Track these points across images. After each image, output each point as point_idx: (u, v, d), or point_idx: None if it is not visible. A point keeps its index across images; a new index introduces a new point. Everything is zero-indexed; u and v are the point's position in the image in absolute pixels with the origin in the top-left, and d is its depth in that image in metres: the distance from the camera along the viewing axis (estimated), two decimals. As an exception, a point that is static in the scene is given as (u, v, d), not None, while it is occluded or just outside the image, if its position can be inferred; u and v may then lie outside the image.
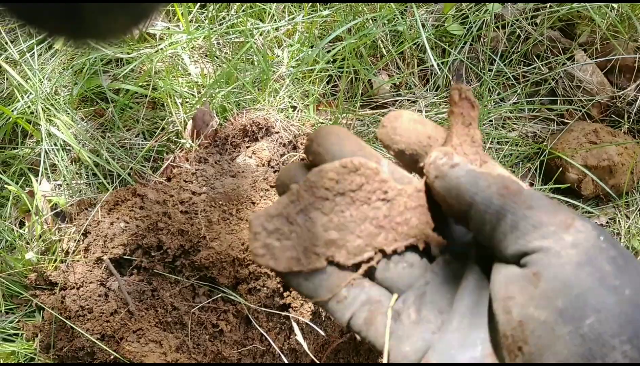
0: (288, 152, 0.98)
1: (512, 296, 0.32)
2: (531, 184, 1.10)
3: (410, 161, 0.38)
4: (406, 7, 1.15)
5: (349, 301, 0.39)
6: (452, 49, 1.15)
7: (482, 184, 0.33)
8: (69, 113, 1.01)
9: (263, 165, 0.96)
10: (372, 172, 0.37)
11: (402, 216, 0.38)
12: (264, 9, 1.13)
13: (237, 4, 1.12)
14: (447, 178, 0.34)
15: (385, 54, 1.13)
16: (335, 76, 1.12)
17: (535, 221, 0.31)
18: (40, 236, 0.91)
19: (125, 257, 0.89)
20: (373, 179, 0.37)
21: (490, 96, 1.15)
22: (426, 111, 1.11)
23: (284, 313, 0.85)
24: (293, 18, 1.12)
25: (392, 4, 1.11)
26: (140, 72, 1.08)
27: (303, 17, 1.11)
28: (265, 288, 0.85)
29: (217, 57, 1.09)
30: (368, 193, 0.38)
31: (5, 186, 0.95)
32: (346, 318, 0.39)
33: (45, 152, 0.98)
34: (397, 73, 1.15)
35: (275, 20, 1.13)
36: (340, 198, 0.38)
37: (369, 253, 0.38)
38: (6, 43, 1.03)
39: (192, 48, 1.10)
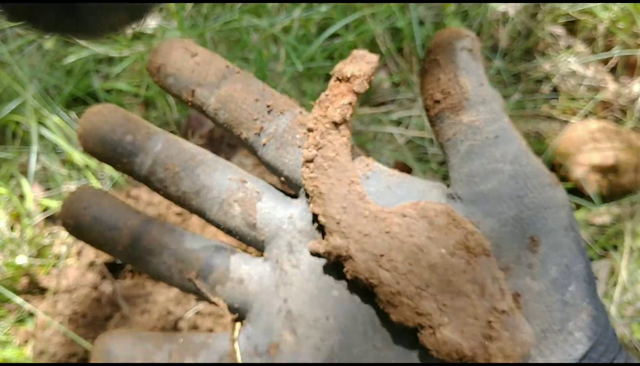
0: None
1: None
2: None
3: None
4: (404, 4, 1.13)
5: None
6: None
7: None
8: (60, 114, 0.99)
9: (259, 165, 0.94)
10: None
11: None
12: (261, 5, 1.10)
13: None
14: None
15: (384, 51, 1.11)
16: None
17: None
18: (32, 240, 0.89)
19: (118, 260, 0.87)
20: None
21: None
22: (426, 109, 1.09)
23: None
24: (289, 14, 1.10)
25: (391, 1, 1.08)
26: (133, 71, 1.06)
27: (300, 13, 1.09)
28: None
29: (212, 56, 1.07)
30: None
31: (-4, 188, 0.93)
32: None
33: (36, 154, 0.96)
34: (396, 71, 1.13)
35: (272, 16, 1.11)
36: None
37: None
38: (-4, 42, 1.01)
39: (186, 46, 1.08)
